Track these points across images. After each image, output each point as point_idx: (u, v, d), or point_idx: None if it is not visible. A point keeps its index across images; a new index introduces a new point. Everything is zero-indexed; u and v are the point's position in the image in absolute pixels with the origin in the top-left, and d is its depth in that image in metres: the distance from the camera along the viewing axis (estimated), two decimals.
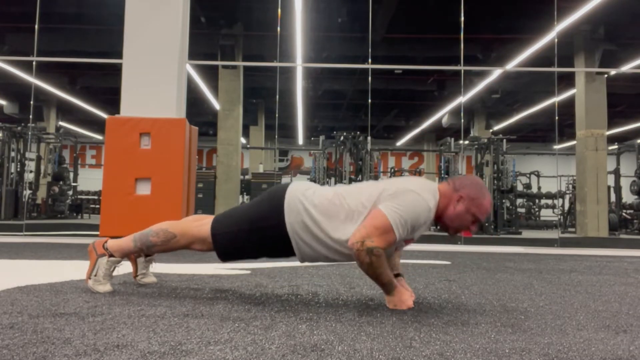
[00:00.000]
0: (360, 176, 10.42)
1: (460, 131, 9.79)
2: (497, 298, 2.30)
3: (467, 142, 11.49)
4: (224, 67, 10.94)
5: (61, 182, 12.42)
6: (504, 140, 10.82)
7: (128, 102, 5.16)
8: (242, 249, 2.10)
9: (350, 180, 10.31)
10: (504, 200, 10.65)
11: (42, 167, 12.33)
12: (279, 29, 7.38)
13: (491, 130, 14.62)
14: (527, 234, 10.75)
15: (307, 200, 2.00)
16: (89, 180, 15.97)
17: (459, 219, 2.00)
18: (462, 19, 6.78)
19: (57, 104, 14.81)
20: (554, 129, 8.74)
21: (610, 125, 12.16)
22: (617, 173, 11.95)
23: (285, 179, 16.18)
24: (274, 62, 8.53)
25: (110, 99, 11.71)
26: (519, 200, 14.04)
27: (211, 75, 11.87)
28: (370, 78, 7.65)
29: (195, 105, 13.21)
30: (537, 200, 15.30)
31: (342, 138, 10.79)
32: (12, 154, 11.14)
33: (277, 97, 8.51)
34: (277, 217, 2.00)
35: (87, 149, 20.15)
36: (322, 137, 11.29)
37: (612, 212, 11.08)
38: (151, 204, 4.80)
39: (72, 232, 6.96)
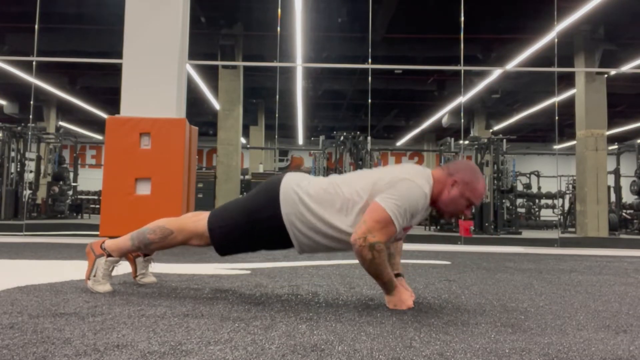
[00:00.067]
0: None
1: (460, 131, 9.79)
2: (497, 298, 2.30)
3: (467, 142, 11.49)
4: (224, 67, 10.95)
5: (61, 182, 12.42)
6: (504, 140, 10.82)
7: (128, 102, 5.16)
8: (239, 242, 2.10)
9: None
10: (504, 200, 10.65)
11: (42, 167, 12.32)
12: (279, 29, 7.38)
13: (491, 130, 14.62)
14: (527, 234, 10.75)
15: (302, 190, 2.01)
16: (89, 180, 15.97)
17: (454, 203, 2.01)
18: (462, 19, 6.78)
19: (57, 104, 14.80)
20: (554, 129, 8.75)
21: (610, 125, 12.16)
22: (617, 173, 11.95)
23: None
24: (274, 62, 8.53)
25: (110, 99, 11.71)
26: (519, 200, 14.05)
27: (211, 75, 11.88)
28: (370, 78, 7.65)
29: (195, 105, 13.21)
30: (537, 200, 15.30)
31: (342, 138, 10.79)
32: (12, 154, 11.14)
33: (277, 97, 8.51)
34: (273, 209, 2.00)
35: (87, 149, 20.15)
36: (322, 137, 11.29)
37: (612, 212, 11.08)
38: (151, 204, 4.80)
39: (72, 232, 6.96)
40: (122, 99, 5.18)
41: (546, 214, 15.70)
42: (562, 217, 13.77)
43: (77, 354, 1.25)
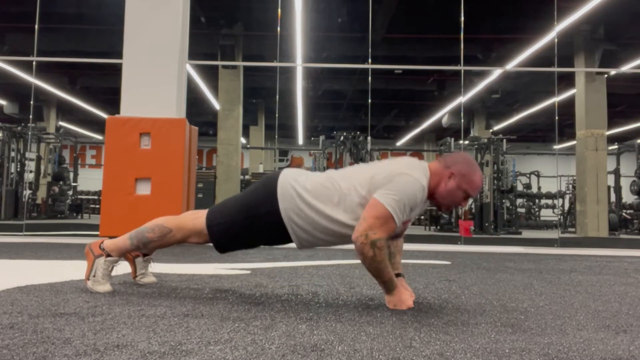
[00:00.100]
0: None
1: (460, 131, 9.79)
2: (497, 298, 2.30)
3: (467, 142, 11.49)
4: (224, 67, 10.95)
5: (61, 182, 12.42)
6: (504, 140, 10.82)
7: (128, 102, 5.16)
8: (238, 239, 2.10)
9: None
10: (504, 200, 10.65)
11: (42, 167, 12.33)
12: (279, 29, 7.38)
13: (491, 130, 14.62)
14: (527, 234, 10.76)
15: (299, 185, 2.01)
16: (89, 180, 15.97)
17: (451, 195, 2.01)
18: (462, 19, 6.78)
19: (57, 104, 14.81)
20: (554, 129, 8.75)
21: (610, 125, 12.17)
22: (617, 173, 11.96)
23: None
24: (274, 62, 8.53)
25: (110, 99, 11.70)
26: (519, 200, 14.05)
27: (211, 75, 11.88)
28: (370, 78, 7.65)
29: (195, 105, 13.21)
30: (537, 200, 15.31)
31: (342, 138, 10.79)
32: (12, 154, 11.15)
33: (277, 97, 8.51)
34: (271, 204, 2.00)
35: (87, 149, 20.14)
36: (322, 137, 11.29)
37: (612, 212, 11.08)
38: (151, 204, 4.80)
39: (72, 232, 6.96)
40: (122, 99, 5.18)
41: (546, 214, 15.71)
42: (562, 217, 13.78)
43: (77, 354, 1.25)
